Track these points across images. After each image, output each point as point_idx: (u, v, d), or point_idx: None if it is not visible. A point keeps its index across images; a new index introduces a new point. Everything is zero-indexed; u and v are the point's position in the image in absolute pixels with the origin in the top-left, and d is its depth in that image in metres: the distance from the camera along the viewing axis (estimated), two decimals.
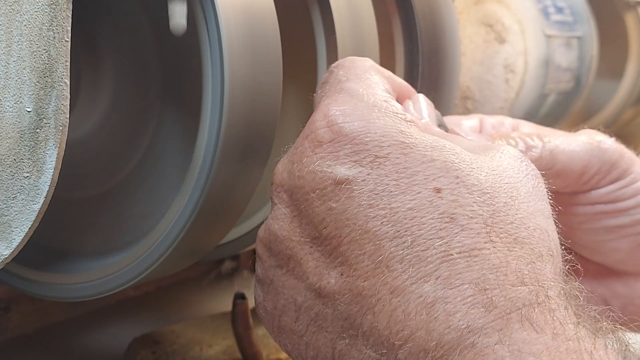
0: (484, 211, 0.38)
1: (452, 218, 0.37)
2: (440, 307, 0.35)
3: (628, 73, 1.42)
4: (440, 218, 0.37)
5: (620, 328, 0.36)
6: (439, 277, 0.36)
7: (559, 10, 1.15)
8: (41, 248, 0.57)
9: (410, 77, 0.61)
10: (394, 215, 0.38)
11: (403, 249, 0.37)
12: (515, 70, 1.02)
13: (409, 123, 0.41)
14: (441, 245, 0.37)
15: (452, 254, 0.36)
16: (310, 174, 0.40)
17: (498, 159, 0.41)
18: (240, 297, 0.64)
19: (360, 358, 0.38)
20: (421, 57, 0.61)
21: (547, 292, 0.35)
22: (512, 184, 0.40)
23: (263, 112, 0.47)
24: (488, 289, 0.35)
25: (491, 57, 1.02)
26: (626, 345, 0.35)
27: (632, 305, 0.53)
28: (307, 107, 0.57)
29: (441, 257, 0.36)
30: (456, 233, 0.37)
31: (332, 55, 0.53)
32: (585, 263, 0.54)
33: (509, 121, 0.56)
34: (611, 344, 0.34)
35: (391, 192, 0.38)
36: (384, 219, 0.38)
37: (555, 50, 1.10)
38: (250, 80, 0.46)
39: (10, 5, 0.42)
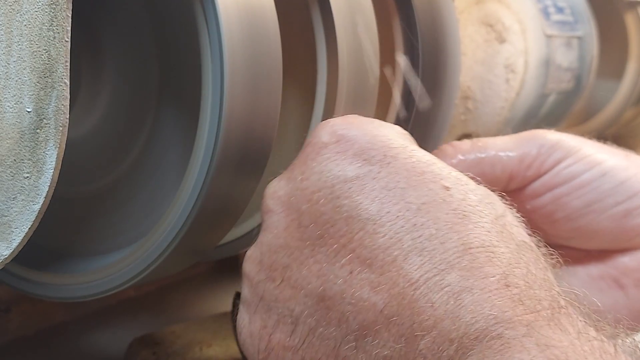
0: (489, 213, 0.39)
1: (464, 215, 0.38)
2: (467, 296, 0.35)
3: (628, 73, 1.42)
4: (454, 214, 0.38)
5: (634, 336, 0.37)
6: (462, 268, 0.36)
7: (560, 10, 1.15)
8: (41, 248, 0.57)
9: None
10: (408, 210, 0.38)
11: (421, 242, 0.37)
12: (515, 70, 1.02)
13: (405, 134, 0.43)
14: (459, 238, 0.37)
15: (471, 248, 0.37)
16: (315, 174, 0.40)
17: None
18: (239, 297, 0.64)
19: None
20: (421, 57, 0.61)
21: (564, 298, 0.36)
22: (496, 196, 0.41)
23: (263, 112, 0.47)
24: (511, 285, 0.35)
25: (492, 57, 1.02)
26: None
27: None
28: (307, 107, 0.57)
29: (461, 250, 0.37)
30: (471, 229, 0.37)
31: (332, 55, 0.53)
32: (585, 253, 0.54)
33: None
34: (628, 350, 0.34)
35: (403, 188, 0.39)
36: (399, 213, 0.38)
37: (555, 50, 1.11)
38: (250, 80, 0.46)
39: (10, 5, 0.42)
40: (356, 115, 0.43)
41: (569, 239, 0.54)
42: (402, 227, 0.38)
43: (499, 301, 0.35)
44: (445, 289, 0.35)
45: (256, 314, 0.41)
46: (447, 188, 0.39)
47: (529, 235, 0.41)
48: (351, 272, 0.38)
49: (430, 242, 0.37)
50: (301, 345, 0.39)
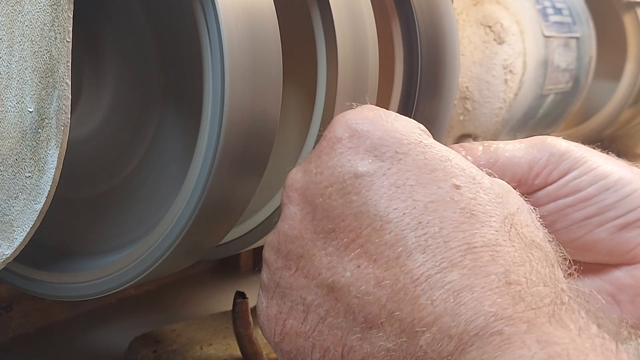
0: (500, 212, 0.39)
1: (472, 214, 0.39)
2: (468, 294, 0.36)
3: (626, 74, 1.42)
4: (462, 212, 0.39)
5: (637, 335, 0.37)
6: (464, 267, 0.36)
7: (558, 11, 1.15)
8: (42, 247, 0.57)
9: (410, 78, 0.61)
10: (415, 208, 0.39)
11: (426, 239, 0.38)
12: (514, 70, 1.03)
13: (422, 130, 0.43)
14: (464, 237, 0.38)
15: (475, 247, 0.37)
16: (328, 169, 0.41)
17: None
18: (240, 296, 0.65)
19: (373, 351, 0.38)
20: (420, 58, 0.61)
21: (568, 294, 0.36)
22: (513, 194, 0.42)
23: (263, 112, 0.48)
24: (512, 283, 0.36)
25: (490, 58, 1.02)
26: None
27: None
28: (307, 107, 0.57)
29: (465, 249, 0.37)
30: (477, 228, 0.38)
31: (332, 56, 0.53)
32: (581, 266, 0.54)
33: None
34: (631, 350, 0.35)
35: (412, 185, 0.39)
36: (405, 211, 0.39)
37: (554, 51, 1.11)
38: (251, 80, 0.46)
39: (12, 6, 0.42)
40: (373, 107, 0.43)
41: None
42: (408, 224, 0.38)
43: (499, 299, 0.35)
44: (446, 287, 0.36)
45: (273, 299, 0.42)
46: (458, 187, 0.40)
47: (544, 233, 0.41)
48: (359, 267, 0.39)
49: (435, 240, 0.38)
50: (312, 333, 0.40)
